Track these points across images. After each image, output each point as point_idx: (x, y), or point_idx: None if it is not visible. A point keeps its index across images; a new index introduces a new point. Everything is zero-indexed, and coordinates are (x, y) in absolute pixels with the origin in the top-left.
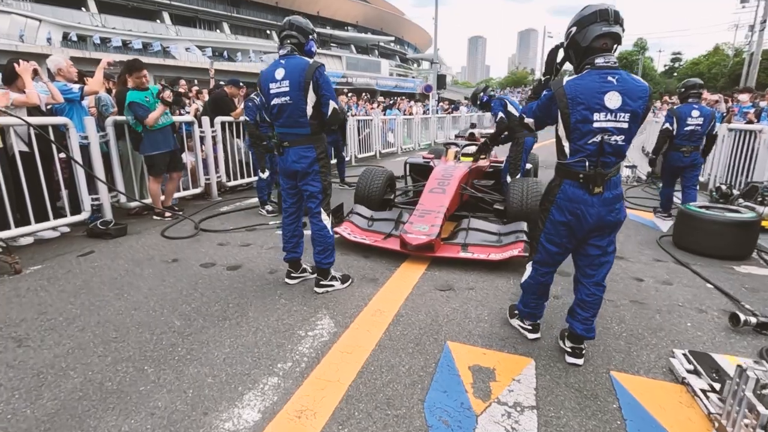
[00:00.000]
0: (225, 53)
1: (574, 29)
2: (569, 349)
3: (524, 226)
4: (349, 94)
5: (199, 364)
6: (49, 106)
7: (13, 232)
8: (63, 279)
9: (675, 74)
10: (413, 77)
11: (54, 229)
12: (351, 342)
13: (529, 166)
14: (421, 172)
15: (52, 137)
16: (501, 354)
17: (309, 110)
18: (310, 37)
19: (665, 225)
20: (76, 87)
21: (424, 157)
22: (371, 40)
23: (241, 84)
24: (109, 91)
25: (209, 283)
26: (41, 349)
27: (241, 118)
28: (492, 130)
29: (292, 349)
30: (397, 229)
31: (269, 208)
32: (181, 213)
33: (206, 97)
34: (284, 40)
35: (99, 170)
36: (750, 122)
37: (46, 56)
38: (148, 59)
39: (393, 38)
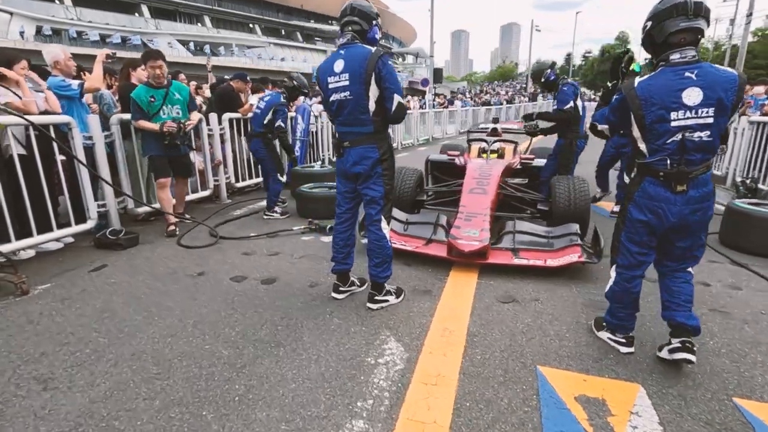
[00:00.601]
0: (207, 47)
1: (649, 24)
2: (679, 344)
3: (576, 228)
4: None
5: (266, 406)
6: None
7: (15, 245)
8: (79, 300)
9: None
10: (399, 71)
11: (57, 240)
12: (431, 370)
13: None
14: (444, 170)
15: (53, 137)
16: (603, 380)
17: (371, 106)
18: (374, 22)
19: None
20: (75, 83)
21: (448, 154)
22: None
23: (248, 78)
24: (109, 87)
25: (247, 300)
26: (72, 392)
27: (249, 115)
28: (514, 126)
29: (367, 382)
30: (436, 233)
31: (279, 210)
32: (189, 218)
33: (206, 93)
34: (345, 27)
35: (105, 174)
36: (766, 115)
37: (22, 51)
38: (128, 54)
39: None
